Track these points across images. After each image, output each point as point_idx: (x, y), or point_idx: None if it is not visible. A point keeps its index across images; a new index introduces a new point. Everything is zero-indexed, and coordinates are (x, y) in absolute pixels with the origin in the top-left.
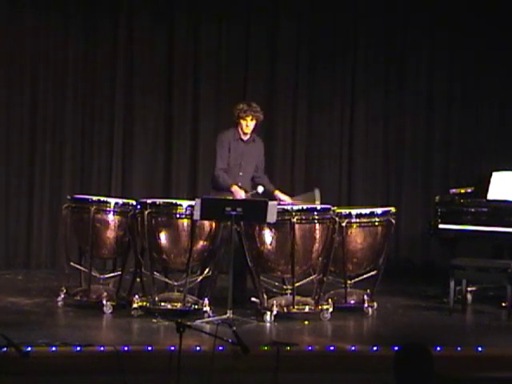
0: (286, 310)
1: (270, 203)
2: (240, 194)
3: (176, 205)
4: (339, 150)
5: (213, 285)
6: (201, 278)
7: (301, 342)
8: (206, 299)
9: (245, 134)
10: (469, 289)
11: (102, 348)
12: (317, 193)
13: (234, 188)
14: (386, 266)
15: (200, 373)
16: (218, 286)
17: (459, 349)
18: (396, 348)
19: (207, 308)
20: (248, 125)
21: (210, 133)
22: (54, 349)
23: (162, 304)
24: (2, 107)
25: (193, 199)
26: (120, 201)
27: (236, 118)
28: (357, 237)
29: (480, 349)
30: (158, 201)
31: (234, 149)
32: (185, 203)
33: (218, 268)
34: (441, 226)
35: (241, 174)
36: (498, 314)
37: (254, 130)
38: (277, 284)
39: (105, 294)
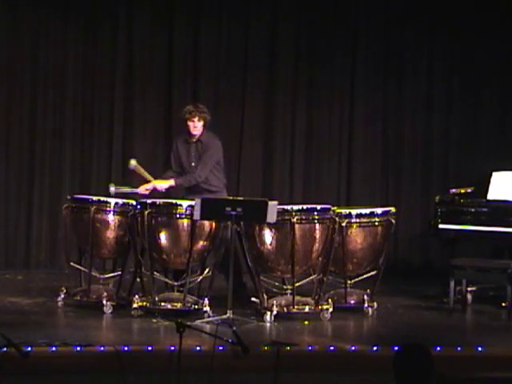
0: (286, 309)
1: (270, 203)
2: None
3: (176, 205)
4: (338, 150)
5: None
6: (201, 277)
7: (301, 342)
8: (206, 299)
9: (193, 135)
10: (469, 289)
11: (102, 348)
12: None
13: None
14: (386, 266)
15: (200, 373)
16: (218, 286)
17: (459, 349)
18: (396, 348)
19: (207, 308)
20: (196, 126)
21: None
22: (53, 349)
23: (162, 304)
24: (2, 107)
25: (193, 199)
26: (120, 201)
27: (184, 120)
28: (357, 237)
29: (480, 349)
30: (158, 201)
31: (182, 151)
32: (185, 203)
33: (217, 268)
34: (441, 226)
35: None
36: (497, 314)
37: (205, 130)
38: (277, 284)
39: (105, 293)
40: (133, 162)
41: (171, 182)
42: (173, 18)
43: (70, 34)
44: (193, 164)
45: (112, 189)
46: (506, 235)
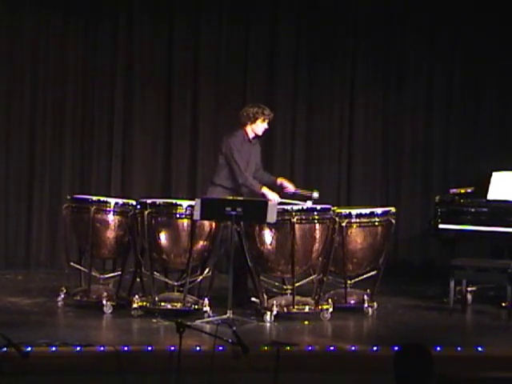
0: (286, 309)
1: (270, 203)
2: (272, 196)
3: (176, 205)
4: (338, 150)
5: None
6: (201, 277)
7: (301, 342)
8: (206, 299)
9: (257, 136)
10: (469, 289)
11: (102, 348)
12: (315, 195)
13: (266, 190)
14: (386, 266)
15: (200, 373)
16: (218, 285)
17: (459, 349)
18: (396, 348)
19: (207, 308)
20: (266, 127)
21: (209, 133)
22: (53, 349)
23: (162, 304)
24: (2, 107)
25: (193, 199)
26: (120, 201)
27: (253, 120)
28: (357, 237)
29: (480, 349)
30: (158, 201)
31: (243, 151)
32: (185, 203)
33: (218, 268)
34: (441, 226)
35: (246, 173)
36: (497, 314)
37: None
38: (277, 284)
39: (105, 293)
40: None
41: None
42: (173, 18)
43: (70, 33)
44: (251, 165)
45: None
46: (506, 235)
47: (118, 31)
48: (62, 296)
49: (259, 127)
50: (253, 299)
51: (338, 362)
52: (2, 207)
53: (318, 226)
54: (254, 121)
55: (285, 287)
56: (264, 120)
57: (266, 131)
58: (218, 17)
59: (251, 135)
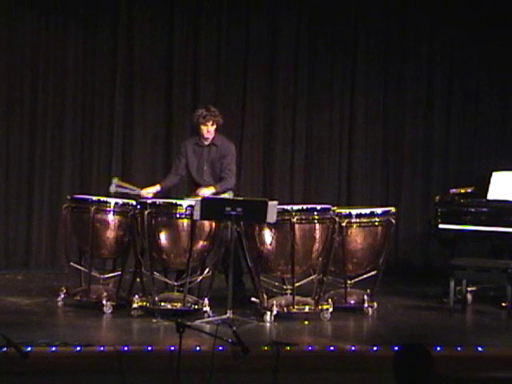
0: (285, 309)
1: (270, 203)
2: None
3: (176, 205)
4: (339, 150)
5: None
6: (201, 277)
7: (301, 342)
8: (206, 299)
9: (206, 139)
10: (469, 289)
11: (102, 348)
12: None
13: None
14: (386, 266)
15: (200, 373)
16: (218, 286)
17: (459, 349)
18: (396, 348)
19: (207, 308)
20: (209, 130)
21: None
22: (53, 349)
23: (162, 304)
24: (2, 107)
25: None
26: (120, 201)
27: (196, 124)
28: (357, 237)
29: (480, 349)
30: (158, 201)
31: (192, 154)
32: (185, 203)
33: (217, 268)
34: (441, 226)
35: (204, 178)
36: (498, 314)
37: (217, 133)
38: (277, 284)
39: (105, 293)
40: (114, 181)
41: (212, 189)
42: (173, 18)
43: (70, 34)
44: (205, 168)
45: (113, 186)
46: (506, 235)
47: (118, 31)
48: (62, 296)
49: (200, 130)
50: (253, 299)
51: (338, 361)
52: (2, 207)
53: (317, 225)
54: (197, 124)
55: (285, 287)
56: (198, 123)
57: (216, 131)
58: (217, 17)
59: (202, 139)
